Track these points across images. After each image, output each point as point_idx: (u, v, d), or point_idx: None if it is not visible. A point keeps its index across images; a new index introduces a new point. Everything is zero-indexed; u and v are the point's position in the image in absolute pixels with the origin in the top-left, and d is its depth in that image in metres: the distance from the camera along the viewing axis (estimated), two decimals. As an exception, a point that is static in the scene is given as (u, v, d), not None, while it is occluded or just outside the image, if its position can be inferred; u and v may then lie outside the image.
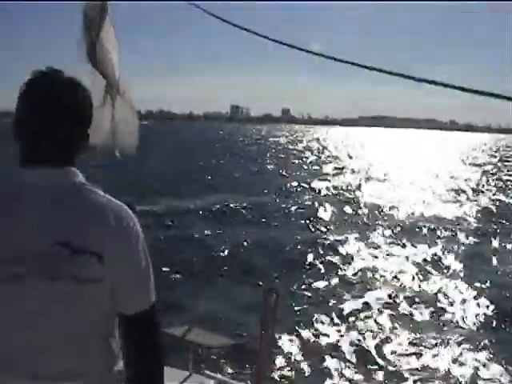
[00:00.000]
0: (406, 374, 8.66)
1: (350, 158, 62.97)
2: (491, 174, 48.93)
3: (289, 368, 8.54)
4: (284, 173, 41.23)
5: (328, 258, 15.95)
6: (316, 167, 48.00)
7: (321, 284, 13.35)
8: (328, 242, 18.00)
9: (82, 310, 1.80)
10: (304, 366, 8.72)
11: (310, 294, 12.48)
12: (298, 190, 32.15)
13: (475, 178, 43.10)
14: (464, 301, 12.52)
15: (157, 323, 1.91)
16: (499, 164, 63.03)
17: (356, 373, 8.58)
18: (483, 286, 13.68)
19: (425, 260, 16.11)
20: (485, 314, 11.69)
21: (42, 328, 1.77)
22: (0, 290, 1.76)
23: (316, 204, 25.91)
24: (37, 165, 1.83)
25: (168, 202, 23.83)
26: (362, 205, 26.73)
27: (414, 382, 8.47)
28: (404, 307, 12.04)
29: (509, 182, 41.49)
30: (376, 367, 8.89)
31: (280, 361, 8.30)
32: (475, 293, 13.03)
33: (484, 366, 9.05)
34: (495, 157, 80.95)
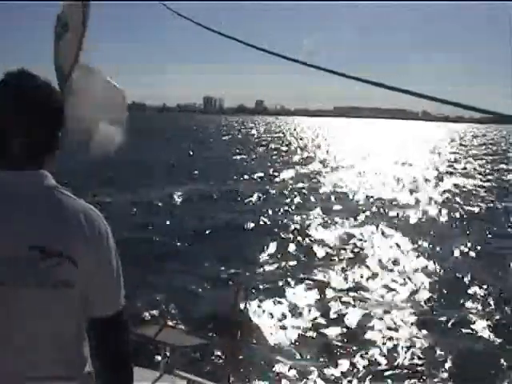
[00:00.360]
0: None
1: (319, 147, 63.58)
2: (454, 161, 50.64)
3: (262, 363, 8.53)
4: (252, 162, 41.73)
5: (291, 243, 16.36)
6: (285, 157, 48.68)
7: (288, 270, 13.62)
8: (291, 227, 18.49)
9: (56, 314, 1.81)
10: (276, 363, 8.69)
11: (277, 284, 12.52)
12: (265, 178, 32.60)
13: (437, 165, 44.01)
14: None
15: (125, 326, 1.95)
16: (463, 153, 64.47)
17: (333, 372, 8.59)
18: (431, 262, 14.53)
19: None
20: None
21: (18, 331, 1.77)
22: None
23: (279, 191, 26.77)
24: (8, 167, 1.81)
25: (131, 192, 23.78)
26: (324, 191, 27.87)
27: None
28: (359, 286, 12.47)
29: (471, 169, 43.20)
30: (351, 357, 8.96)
31: (253, 356, 8.30)
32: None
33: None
34: (464, 146, 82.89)
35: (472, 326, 10.60)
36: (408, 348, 9.43)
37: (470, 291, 12.54)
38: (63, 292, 1.78)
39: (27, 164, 1.83)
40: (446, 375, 8.63)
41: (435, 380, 8.49)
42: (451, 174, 38.88)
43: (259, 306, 10.60)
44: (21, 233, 1.75)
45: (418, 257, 15.44)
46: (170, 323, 6.06)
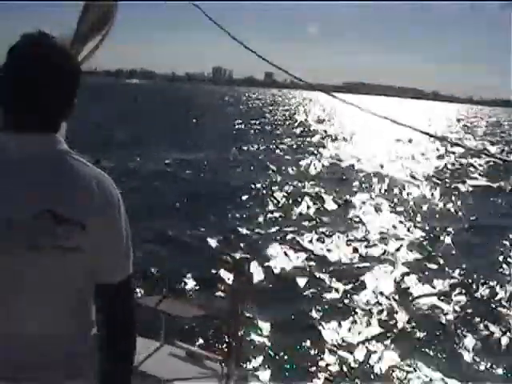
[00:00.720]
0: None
1: (322, 121, 63.63)
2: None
3: (261, 339, 8.59)
4: (254, 133, 42.10)
5: (288, 211, 16.70)
6: (287, 129, 49.59)
7: (297, 252, 13.35)
8: (285, 195, 18.95)
9: (63, 278, 1.80)
10: (276, 336, 8.78)
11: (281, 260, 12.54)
12: (266, 149, 33.01)
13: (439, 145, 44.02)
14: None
15: (132, 293, 1.97)
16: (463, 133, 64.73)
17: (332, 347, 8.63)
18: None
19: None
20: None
21: (25, 295, 1.76)
22: None
23: (274, 162, 27.20)
24: (20, 130, 1.78)
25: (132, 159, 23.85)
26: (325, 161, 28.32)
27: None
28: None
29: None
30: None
31: (253, 331, 8.37)
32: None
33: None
34: (467, 126, 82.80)
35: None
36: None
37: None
38: (72, 257, 1.77)
39: (40, 128, 1.80)
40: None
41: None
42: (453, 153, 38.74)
43: (262, 281, 10.63)
44: (31, 197, 1.73)
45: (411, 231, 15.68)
46: (170, 294, 6.02)
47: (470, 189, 24.18)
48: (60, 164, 1.80)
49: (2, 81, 1.81)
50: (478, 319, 9.92)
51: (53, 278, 1.78)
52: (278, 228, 15.27)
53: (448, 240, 15.04)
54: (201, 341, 6.57)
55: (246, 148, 32.65)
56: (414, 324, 9.56)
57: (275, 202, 18.55)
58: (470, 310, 10.33)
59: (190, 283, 10.47)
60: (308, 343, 8.67)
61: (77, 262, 1.79)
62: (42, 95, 1.79)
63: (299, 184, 21.40)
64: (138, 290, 7.56)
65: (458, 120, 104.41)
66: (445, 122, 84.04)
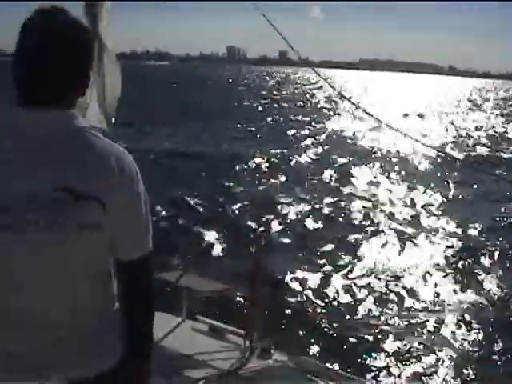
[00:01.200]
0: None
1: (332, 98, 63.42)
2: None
3: (283, 311, 8.59)
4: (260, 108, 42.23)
5: (310, 196, 16.21)
6: (302, 108, 49.16)
7: (310, 226, 13.39)
8: (308, 181, 18.50)
9: (82, 254, 1.79)
10: (298, 308, 8.78)
11: (299, 240, 12.41)
12: (282, 129, 32.79)
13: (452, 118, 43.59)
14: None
15: (151, 269, 1.95)
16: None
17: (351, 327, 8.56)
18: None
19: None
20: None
21: (45, 274, 1.76)
22: (1, 237, 1.72)
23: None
24: (36, 106, 1.75)
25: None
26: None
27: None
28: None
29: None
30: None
31: (272, 306, 8.31)
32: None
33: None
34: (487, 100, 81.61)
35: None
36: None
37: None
38: (91, 233, 1.77)
39: (56, 104, 1.78)
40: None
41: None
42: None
43: (283, 257, 10.59)
44: (50, 174, 1.72)
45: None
46: (191, 268, 6.01)
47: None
48: (78, 140, 1.78)
49: (16, 58, 1.79)
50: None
51: (72, 254, 1.78)
52: (297, 198, 15.32)
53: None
54: (222, 315, 6.56)
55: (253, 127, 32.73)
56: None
57: (294, 171, 18.70)
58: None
59: (211, 257, 10.49)
60: (331, 316, 8.65)
61: (96, 238, 1.79)
62: (55, 71, 1.77)
63: (313, 156, 21.53)
64: (158, 264, 7.56)
65: (471, 94, 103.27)
66: (454, 98, 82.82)
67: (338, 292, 9.55)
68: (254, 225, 12.35)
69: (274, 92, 71.83)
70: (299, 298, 9.24)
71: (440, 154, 21.99)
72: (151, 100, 43.23)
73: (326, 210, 14.75)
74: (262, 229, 5.77)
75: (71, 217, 1.73)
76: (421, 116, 44.57)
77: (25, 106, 1.76)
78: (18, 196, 1.69)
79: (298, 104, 53.98)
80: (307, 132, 31.37)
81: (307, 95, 71.69)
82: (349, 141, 29.18)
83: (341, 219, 14.12)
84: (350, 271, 10.57)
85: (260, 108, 45.88)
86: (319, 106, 53.91)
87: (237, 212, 13.91)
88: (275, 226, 12.75)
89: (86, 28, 1.89)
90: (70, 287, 1.80)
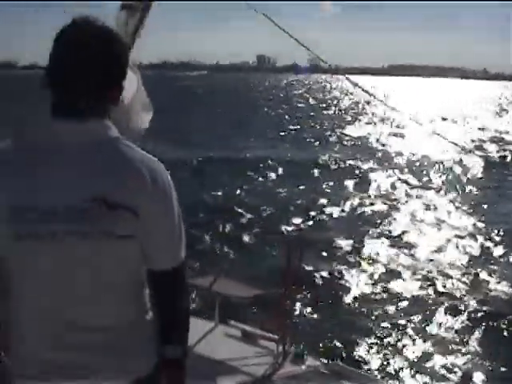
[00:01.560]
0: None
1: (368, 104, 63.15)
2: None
3: (316, 317, 8.55)
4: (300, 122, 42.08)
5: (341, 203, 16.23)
6: (334, 116, 49.73)
7: (344, 233, 13.28)
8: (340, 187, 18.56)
9: (115, 265, 1.81)
10: (330, 314, 8.76)
11: (335, 245, 12.37)
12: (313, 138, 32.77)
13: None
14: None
15: (184, 279, 1.93)
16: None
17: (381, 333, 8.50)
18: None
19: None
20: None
21: (78, 282, 1.78)
22: (35, 246, 1.73)
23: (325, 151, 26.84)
24: (71, 116, 1.77)
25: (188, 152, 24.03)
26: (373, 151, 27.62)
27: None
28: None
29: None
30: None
31: (306, 311, 8.32)
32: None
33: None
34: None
35: None
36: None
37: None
38: (124, 244, 1.77)
39: (89, 114, 1.78)
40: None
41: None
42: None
43: (316, 261, 10.56)
44: (83, 183, 1.73)
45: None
46: (224, 273, 6.01)
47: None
48: (111, 150, 1.79)
49: (50, 69, 1.81)
50: None
51: (105, 263, 1.79)
52: (333, 204, 15.44)
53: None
54: (255, 320, 6.57)
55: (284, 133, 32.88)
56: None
57: (327, 177, 18.93)
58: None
59: (244, 262, 10.50)
60: (364, 321, 8.63)
61: (129, 248, 1.79)
62: (89, 81, 1.77)
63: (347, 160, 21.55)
64: (192, 269, 7.65)
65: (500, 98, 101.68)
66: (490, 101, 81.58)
67: (370, 296, 9.54)
68: (288, 229, 12.33)
69: (302, 99, 71.96)
70: (332, 303, 9.23)
71: (468, 153, 21.89)
72: (189, 110, 43.65)
73: (358, 214, 14.89)
74: (296, 234, 5.71)
75: (104, 227, 1.74)
76: (455, 121, 44.20)
77: (59, 116, 1.78)
78: (52, 206, 1.71)
79: (325, 111, 54.11)
80: (334, 137, 32.08)
81: (334, 101, 71.96)
82: (376, 145, 29.57)
83: (370, 224, 14.11)
84: (382, 276, 10.55)
85: (287, 116, 46.24)
86: (346, 111, 54.49)
87: (272, 217, 13.98)
88: (309, 232, 12.72)
89: (120, 38, 1.91)
90: (103, 296, 1.81)
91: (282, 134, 32.95)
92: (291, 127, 36.95)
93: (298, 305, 5.96)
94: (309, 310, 8.47)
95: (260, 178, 19.33)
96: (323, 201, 16.05)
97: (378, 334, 8.27)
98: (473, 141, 31.88)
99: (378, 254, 11.74)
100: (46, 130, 1.79)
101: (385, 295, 9.69)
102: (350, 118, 46.92)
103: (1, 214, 1.72)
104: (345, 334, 8.22)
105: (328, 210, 15.12)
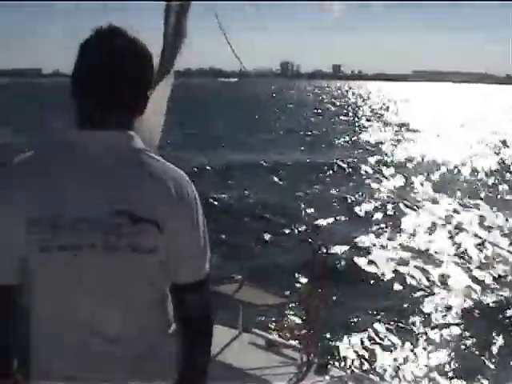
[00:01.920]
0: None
1: (388, 110, 63.07)
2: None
3: (341, 326, 8.47)
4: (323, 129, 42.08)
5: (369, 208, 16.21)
6: (358, 121, 49.61)
7: (372, 238, 13.30)
8: (368, 193, 18.42)
9: (139, 279, 1.78)
10: (356, 323, 8.69)
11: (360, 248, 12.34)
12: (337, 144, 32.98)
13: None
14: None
15: (209, 291, 1.91)
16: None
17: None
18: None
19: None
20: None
21: (101, 296, 1.75)
22: (59, 258, 1.71)
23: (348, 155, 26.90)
24: (97, 127, 1.75)
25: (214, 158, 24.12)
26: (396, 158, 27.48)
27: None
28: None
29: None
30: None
31: (330, 321, 8.22)
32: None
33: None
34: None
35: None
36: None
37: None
38: (148, 257, 1.75)
39: (115, 125, 1.76)
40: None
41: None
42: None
43: (340, 267, 10.48)
44: (107, 196, 1.70)
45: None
46: (248, 281, 5.99)
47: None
48: (136, 162, 1.77)
49: (78, 77, 1.79)
50: None
51: (129, 278, 1.76)
52: (360, 213, 15.39)
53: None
54: (279, 329, 6.51)
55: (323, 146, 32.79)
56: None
57: (355, 181, 19.01)
58: None
59: (269, 270, 10.44)
60: (393, 333, 8.53)
61: (153, 262, 1.76)
62: (115, 91, 1.75)
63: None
64: (217, 277, 7.62)
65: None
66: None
67: (396, 308, 9.42)
68: (317, 242, 12.25)
69: (326, 105, 72.24)
70: (358, 313, 9.11)
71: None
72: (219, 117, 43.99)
73: (386, 232, 14.54)
74: (323, 248, 5.67)
75: (128, 240, 1.72)
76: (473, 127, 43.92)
77: (85, 127, 1.77)
78: (75, 218, 1.69)
79: (344, 117, 54.11)
80: (350, 142, 32.74)
81: (354, 107, 72.21)
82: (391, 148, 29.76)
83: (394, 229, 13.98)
84: (412, 287, 10.43)
85: (312, 119, 47.30)
86: (365, 117, 54.69)
87: (301, 227, 13.85)
88: (336, 247, 12.61)
89: (148, 49, 1.87)
90: (126, 308, 1.78)
91: (301, 138, 33.49)
92: (308, 133, 37.49)
93: (322, 314, 5.90)
94: (333, 319, 8.38)
95: (280, 182, 19.45)
96: (350, 201, 16.05)
97: (405, 346, 8.18)
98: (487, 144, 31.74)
99: (405, 262, 11.61)
100: (72, 140, 1.77)
101: (416, 307, 9.55)
102: (367, 124, 47.33)
103: (25, 225, 1.70)
104: (370, 344, 8.16)
105: (354, 210, 15.08)
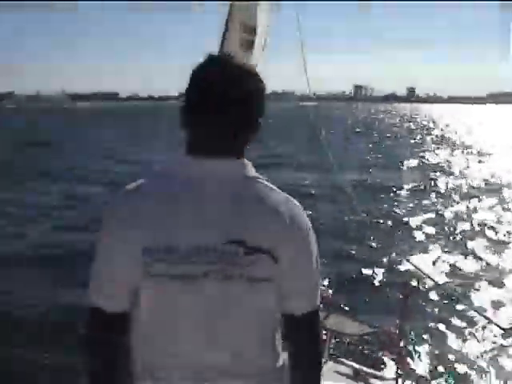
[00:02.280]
0: None
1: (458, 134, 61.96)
2: None
3: (431, 356, 8.11)
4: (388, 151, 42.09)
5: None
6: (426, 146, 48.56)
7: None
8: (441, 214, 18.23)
9: (252, 309, 1.76)
10: (447, 353, 8.28)
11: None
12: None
13: None
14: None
15: (318, 324, 1.90)
16: None
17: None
18: None
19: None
20: None
21: (215, 327, 1.73)
22: (172, 287, 1.70)
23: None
24: (210, 155, 1.73)
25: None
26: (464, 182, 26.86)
27: None
28: None
29: None
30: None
31: (420, 349, 7.99)
32: None
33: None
34: None
35: None
36: None
37: None
38: (261, 287, 1.73)
39: (229, 153, 1.76)
40: None
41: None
42: None
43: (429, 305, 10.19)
44: (221, 225, 1.69)
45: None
46: (336, 309, 5.89)
47: None
48: (251, 191, 1.75)
49: (189, 106, 1.77)
50: None
51: (242, 307, 1.75)
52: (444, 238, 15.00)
53: None
54: (368, 359, 6.37)
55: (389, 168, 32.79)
56: None
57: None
58: None
59: (357, 299, 10.16)
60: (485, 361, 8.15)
61: (266, 291, 1.75)
62: (228, 119, 1.73)
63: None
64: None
65: None
66: None
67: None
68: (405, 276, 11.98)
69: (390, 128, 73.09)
70: (450, 342, 8.71)
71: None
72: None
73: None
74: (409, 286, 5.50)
75: (242, 269, 1.70)
76: None
77: (199, 154, 1.75)
78: (189, 247, 1.68)
79: (412, 141, 53.64)
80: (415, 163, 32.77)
81: (422, 130, 71.73)
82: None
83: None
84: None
85: (371, 145, 46.37)
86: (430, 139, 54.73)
87: (394, 253, 13.49)
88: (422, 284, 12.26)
89: (260, 77, 1.84)
90: (236, 339, 1.76)
91: (368, 160, 33.68)
92: (373, 155, 37.42)
93: (412, 342, 5.72)
94: (423, 348, 8.13)
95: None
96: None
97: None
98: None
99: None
100: (187, 169, 1.76)
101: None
102: (433, 145, 47.25)
103: (140, 253, 1.69)
104: (459, 370, 7.80)
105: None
